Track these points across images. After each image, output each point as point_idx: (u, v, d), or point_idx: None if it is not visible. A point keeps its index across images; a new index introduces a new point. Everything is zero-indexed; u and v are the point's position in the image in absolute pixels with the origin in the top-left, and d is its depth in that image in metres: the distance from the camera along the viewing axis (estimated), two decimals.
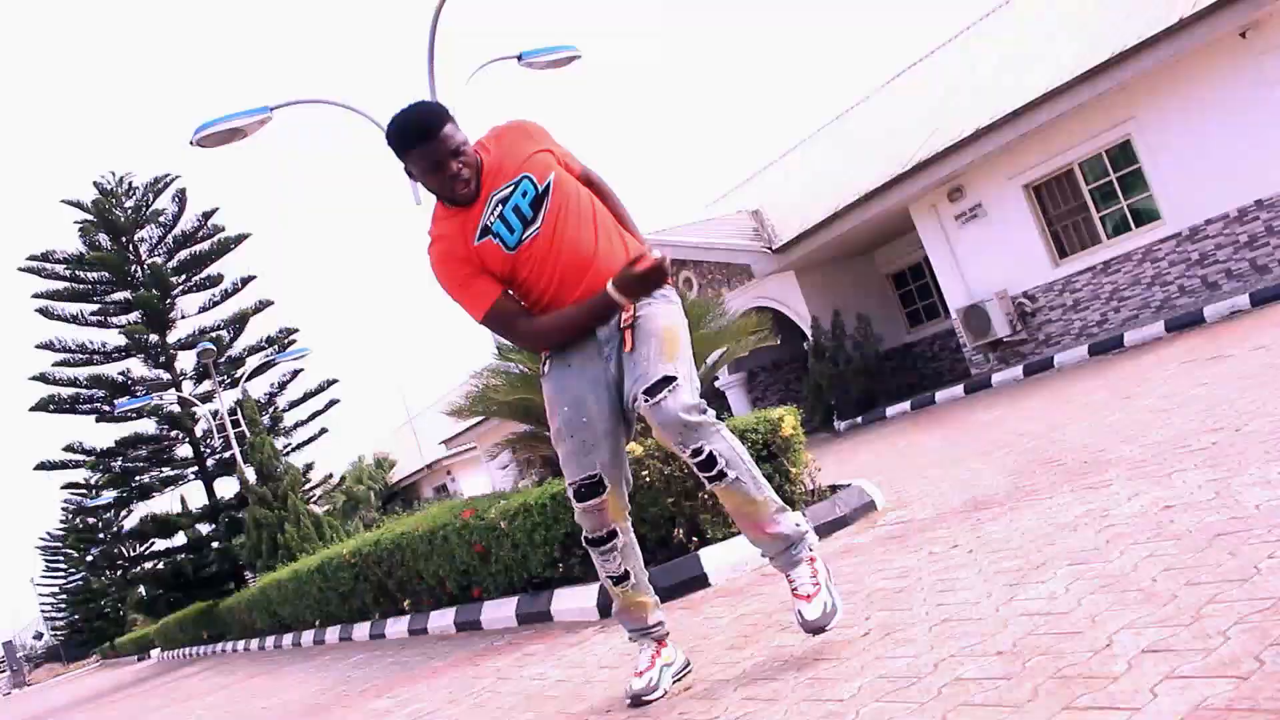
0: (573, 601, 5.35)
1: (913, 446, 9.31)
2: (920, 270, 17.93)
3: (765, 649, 3.18)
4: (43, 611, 72.55)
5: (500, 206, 2.96)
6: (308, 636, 10.94)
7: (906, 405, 15.34)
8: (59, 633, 70.54)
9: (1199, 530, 2.88)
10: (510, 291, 3.05)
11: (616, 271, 2.95)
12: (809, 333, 17.83)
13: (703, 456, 2.83)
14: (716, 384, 20.77)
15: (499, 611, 6.22)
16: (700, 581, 4.86)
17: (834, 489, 5.77)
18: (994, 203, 14.34)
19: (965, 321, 14.70)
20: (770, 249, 17.19)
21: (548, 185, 2.98)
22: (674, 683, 3.10)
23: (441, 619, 7.17)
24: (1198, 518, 3.02)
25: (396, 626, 8.10)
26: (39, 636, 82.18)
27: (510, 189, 2.96)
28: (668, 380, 2.85)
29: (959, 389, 14.48)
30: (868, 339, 17.47)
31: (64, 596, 58.88)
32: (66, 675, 60.06)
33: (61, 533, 37.32)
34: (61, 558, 54.76)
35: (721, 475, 2.85)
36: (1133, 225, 12.96)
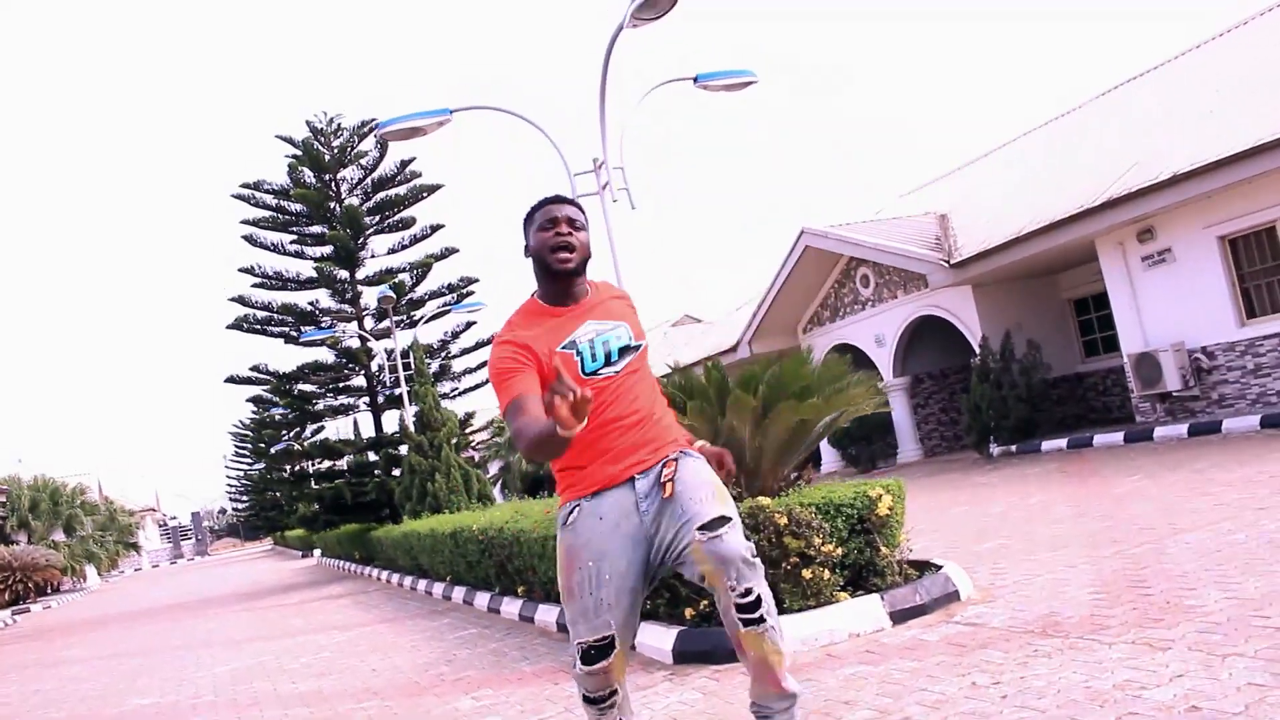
0: (653, 639, 5.60)
1: (1043, 506, 9.20)
2: (1105, 300, 17.28)
3: None
4: (228, 490, 78.26)
5: (595, 335, 3.14)
6: (438, 589, 11.65)
7: (1063, 442, 14.96)
8: (239, 512, 76.06)
9: None
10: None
11: (667, 433, 3.22)
12: (977, 349, 17.54)
13: (751, 598, 2.88)
14: (879, 385, 20.61)
15: None
16: None
17: (922, 569, 5.85)
18: (1185, 249, 13.74)
19: (1136, 369, 14.20)
20: (948, 262, 16.90)
21: (639, 346, 3.22)
22: None
23: (547, 614, 7.61)
24: None
25: (510, 606, 8.60)
26: (223, 512, 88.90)
27: (610, 328, 3.18)
28: (725, 519, 2.94)
29: (1119, 435, 14.03)
30: (1035, 366, 17.12)
31: (247, 481, 63.15)
32: (242, 553, 64.76)
33: (252, 423, 40.01)
34: (248, 445, 58.71)
35: (761, 620, 2.89)
36: None
